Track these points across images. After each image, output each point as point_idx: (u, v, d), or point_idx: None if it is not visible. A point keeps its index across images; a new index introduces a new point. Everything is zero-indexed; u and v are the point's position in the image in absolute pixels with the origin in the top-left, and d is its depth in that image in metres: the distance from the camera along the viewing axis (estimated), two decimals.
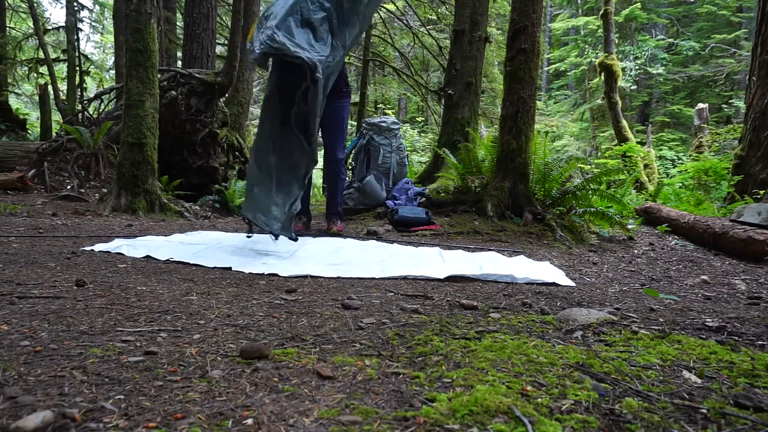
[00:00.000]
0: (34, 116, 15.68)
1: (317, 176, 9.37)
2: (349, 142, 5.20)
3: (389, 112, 18.18)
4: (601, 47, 14.18)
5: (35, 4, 12.90)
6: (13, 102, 14.26)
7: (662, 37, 17.97)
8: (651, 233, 4.52)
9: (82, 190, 5.85)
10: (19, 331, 1.21)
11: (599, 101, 14.96)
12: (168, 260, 2.53)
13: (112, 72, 16.14)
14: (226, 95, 7.68)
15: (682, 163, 10.96)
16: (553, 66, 20.17)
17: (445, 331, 1.36)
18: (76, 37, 13.04)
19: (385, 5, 12.14)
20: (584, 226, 4.22)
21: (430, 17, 12.71)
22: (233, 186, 6.95)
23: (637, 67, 16.52)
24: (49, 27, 15.20)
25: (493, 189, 4.35)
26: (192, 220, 4.96)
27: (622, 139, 10.33)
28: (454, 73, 7.15)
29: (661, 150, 13.65)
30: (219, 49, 10.65)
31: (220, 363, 1.06)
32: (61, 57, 13.81)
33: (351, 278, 2.27)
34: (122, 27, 8.80)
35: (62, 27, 13.84)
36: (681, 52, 17.05)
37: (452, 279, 2.29)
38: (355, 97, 8.98)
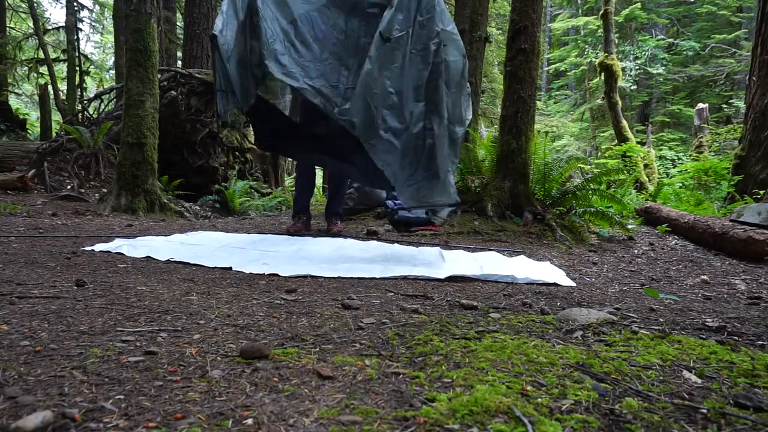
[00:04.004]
0: (34, 116, 15.68)
1: (318, 176, 9.34)
2: None
3: None
4: (601, 47, 14.17)
5: (35, 4, 12.90)
6: (13, 102, 14.26)
7: (662, 37, 17.97)
8: (651, 233, 4.52)
9: (82, 190, 5.85)
10: (19, 331, 1.21)
11: (599, 101, 14.96)
12: (168, 260, 2.53)
13: (112, 72, 16.15)
14: None
15: (682, 163, 10.97)
16: (553, 66, 20.18)
17: (445, 331, 1.36)
18: (76, 37, 13.05)
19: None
20: (584, 226, 4.22)
21: None
22: (233, 186, 6.94)
23: (637, 67, 16.52)
24: (49, 27, 15.22)
25: (493, 189, 4.35)
26: (192, 220, 4.96)
27: (622, 139, 10.32)
28: None
29: (661, 150, 13.66)
30: None
31: (220, 363, 1.06)
32: (61, 57, 13.82)
33: (351, 278, 2.27)
34: (122, 27, 8.80)
35: (62, 27, 13.85)
36: (681, 52, 17.05)
37: (453, 279, 2.28)
38: None
